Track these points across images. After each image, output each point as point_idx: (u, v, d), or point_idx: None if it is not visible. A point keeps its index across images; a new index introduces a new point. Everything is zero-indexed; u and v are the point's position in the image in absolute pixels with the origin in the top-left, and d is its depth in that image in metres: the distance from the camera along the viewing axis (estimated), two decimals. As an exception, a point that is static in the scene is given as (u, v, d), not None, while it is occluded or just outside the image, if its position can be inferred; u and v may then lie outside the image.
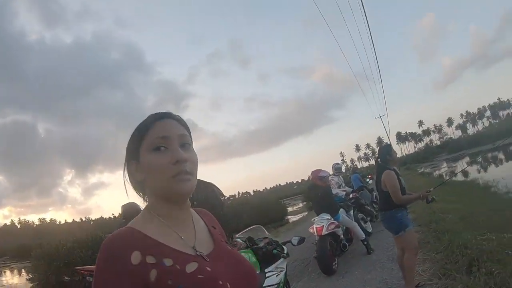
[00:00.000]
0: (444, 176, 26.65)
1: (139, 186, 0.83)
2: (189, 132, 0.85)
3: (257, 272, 2.87)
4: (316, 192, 5.76)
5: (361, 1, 7.37)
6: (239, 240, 3.43)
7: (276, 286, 2.98)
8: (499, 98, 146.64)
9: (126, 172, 0.83)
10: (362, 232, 5.81)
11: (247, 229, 3.74)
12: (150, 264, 0.69)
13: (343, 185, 8.02)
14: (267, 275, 2.92)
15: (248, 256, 2.88)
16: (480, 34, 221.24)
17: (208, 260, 0.76)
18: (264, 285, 2.84)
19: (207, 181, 2.85)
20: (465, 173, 25.01)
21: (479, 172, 22.87)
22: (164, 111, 0.84)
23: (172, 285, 0.67)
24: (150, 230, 0.74)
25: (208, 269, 0.73)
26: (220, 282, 0.72)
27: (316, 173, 5.73)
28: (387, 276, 4.43)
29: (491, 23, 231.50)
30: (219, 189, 2.91)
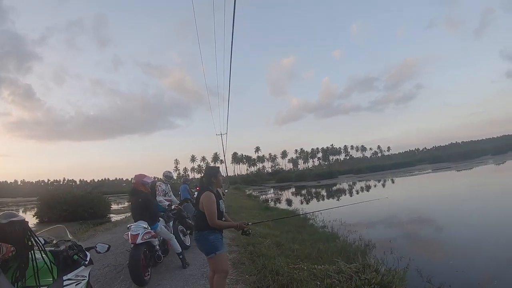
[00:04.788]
0: (269, 201, 29.57)
1: None
2: None
3: (53, 278, 2.41)
4: (137, 198, 5.50)
5: (233, 23, 7.57)
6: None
7: None
8: (332, 144, 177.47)
9: None
10: (178, 245, 5.80)
11: (48, 229, 3.15)
12: None
13: (170, 193, 7.96)
14: (64, 283, 2.51)
15: (45, 260, 2.37)
16: (331, 87, 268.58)
17: None
18: None
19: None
20: (289, 201, 28.63)
21: (301, 203, 26.41)
22: None
23: None
24: None
25: None
26: None
27: (139, 178, 5.56)
28: (198, 292, 4.37)
29: (343, 81, 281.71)
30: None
